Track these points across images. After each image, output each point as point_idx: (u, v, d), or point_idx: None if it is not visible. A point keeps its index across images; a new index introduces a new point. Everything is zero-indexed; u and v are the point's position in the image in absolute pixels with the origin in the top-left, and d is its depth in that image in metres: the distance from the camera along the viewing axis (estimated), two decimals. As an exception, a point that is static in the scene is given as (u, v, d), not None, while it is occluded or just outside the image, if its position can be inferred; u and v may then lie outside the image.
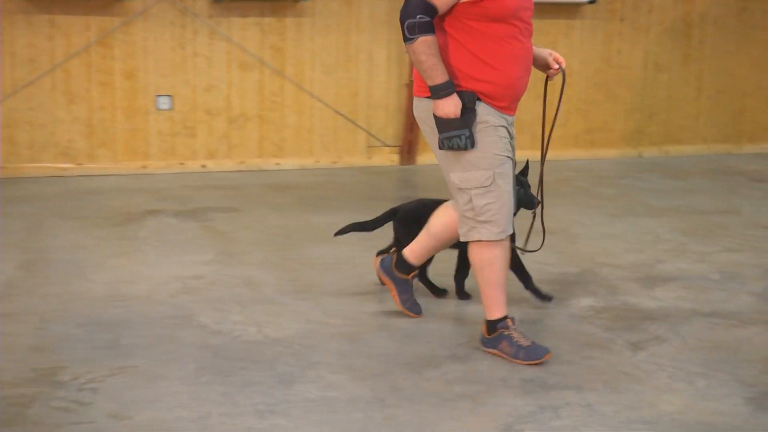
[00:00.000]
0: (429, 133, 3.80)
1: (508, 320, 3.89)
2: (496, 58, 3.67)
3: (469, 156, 3.70)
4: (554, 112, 3.98)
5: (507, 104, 3.76)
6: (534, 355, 3.79)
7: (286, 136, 7.80)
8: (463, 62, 3.68)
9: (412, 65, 4.54)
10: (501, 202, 3.73)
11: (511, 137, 3.84)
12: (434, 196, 4.70)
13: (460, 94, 3.66)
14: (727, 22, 8.79)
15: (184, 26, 7.49)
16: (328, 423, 3.29)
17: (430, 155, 7.95)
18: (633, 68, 8.57)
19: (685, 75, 8.76)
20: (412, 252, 4.20)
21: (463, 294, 4.55)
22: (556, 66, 3.94)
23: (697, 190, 7.33)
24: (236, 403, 3.42)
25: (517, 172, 4.07)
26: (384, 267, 4.27)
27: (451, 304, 4.50)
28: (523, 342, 3.82)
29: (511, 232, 3.85)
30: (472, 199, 3.72)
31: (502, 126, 3.76)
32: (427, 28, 3.59)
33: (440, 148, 3.72)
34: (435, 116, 3.66)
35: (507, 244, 3.86)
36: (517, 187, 4.05)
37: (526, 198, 4.20)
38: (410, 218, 4.42)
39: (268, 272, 4.98)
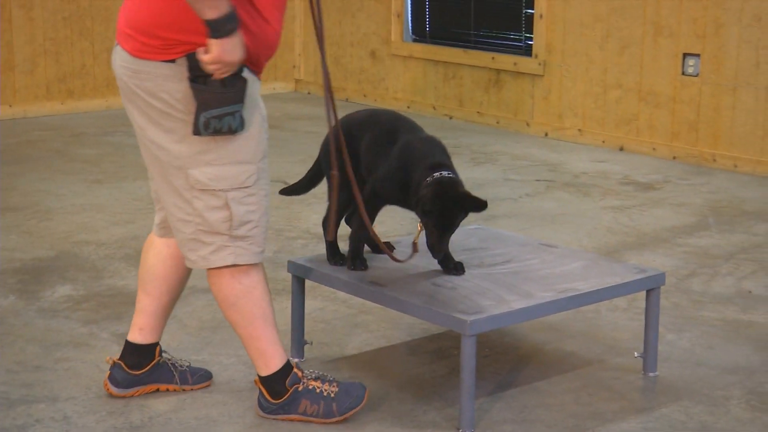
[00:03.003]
0: (162, 111, 3.23)
1: (295, 369, 3.50)
2: (266, 5, 3.22)
3: (231, 144, 3.24)
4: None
5: (261, 69, 3.36)
6: (352, 400, 3.49)
7: None
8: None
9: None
10: (263, 209, 3.37)
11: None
12: None
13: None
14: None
15: None
16: None
17: None
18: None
19: None
20: (143, 330, 3.66)
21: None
22: None
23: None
24: None
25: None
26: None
27: None
28: (330, 389, 3.50)
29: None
30: (229, 206, 3.28)
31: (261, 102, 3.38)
32: None
33: (200, 132, 3.16)
34: (194, 84, 3.12)
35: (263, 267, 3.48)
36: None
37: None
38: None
39: None
